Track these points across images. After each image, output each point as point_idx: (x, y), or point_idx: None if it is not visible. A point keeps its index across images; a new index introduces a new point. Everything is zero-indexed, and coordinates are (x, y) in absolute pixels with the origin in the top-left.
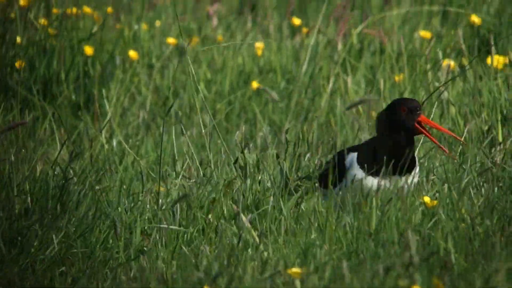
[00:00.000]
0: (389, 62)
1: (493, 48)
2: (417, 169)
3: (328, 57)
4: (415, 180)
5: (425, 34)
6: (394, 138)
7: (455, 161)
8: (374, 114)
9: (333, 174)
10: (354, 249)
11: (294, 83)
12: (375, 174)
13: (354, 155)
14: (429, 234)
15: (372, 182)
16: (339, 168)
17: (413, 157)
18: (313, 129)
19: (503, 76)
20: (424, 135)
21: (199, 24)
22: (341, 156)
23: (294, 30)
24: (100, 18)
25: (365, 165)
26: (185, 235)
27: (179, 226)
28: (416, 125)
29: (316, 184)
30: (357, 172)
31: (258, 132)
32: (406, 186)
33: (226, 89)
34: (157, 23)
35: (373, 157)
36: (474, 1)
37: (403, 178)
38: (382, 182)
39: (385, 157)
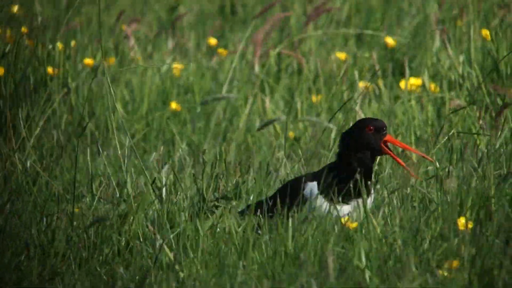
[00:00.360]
0: (306, 83)
1: (407, 70)
2: (372, 192)
3: (247, 78)
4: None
5: (341, 56)
6: (359, 158)
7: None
8: (291, 134)
9: (286, 203)
10: (271, 269)
11: (212, 104)
12: (342, 200)
13: (314, 185)
14: (344, 253)
15: (340, 209)
16: (294, 198)
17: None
18: (231, 149)
19: (417, 97)
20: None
21: (117, 44)
22: (297, 185)
23: (213, 51)
24: (14, 38)
25: (329, 194)
26: (100, 257)
27: (94, 247)
28: (382, 145)
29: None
30: (321, 202)
31: (176, 153)
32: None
33: (144, 110)
34: (73, 43)
35: (338, 183)
36: (388, 24)
37: (368, 199)
38: (350, 207)
39: (351, 181)
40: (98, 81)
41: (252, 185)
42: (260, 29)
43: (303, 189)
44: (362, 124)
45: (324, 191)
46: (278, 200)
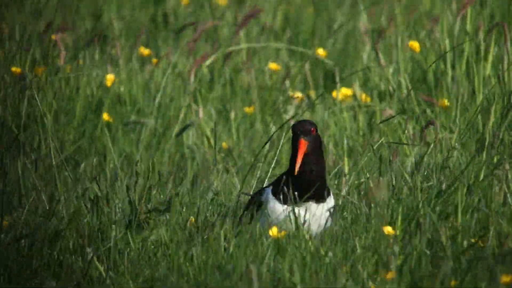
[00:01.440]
0: (240, 93)
1: (338, 81)
2: (331, 197)
3: (179, 89)
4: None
5: (274, 67)
6: (292, 163)
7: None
8: (224, 145)
9: (251, 210)
10: (202, 281)
11: (144, 114)
12: (290, 202)
13: (269, 190)
14: (275, 265)
15: (286, 210)
16: (258, 205)
17: (323, 185)
18: (164, 160)
19: (348, 108)
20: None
21: (45, 53)
22: (258, 193)
23: (144, 61)
24: None
25: (280, 196)
26: (29, 270)
27: (23, 261)
28: (297, 145)
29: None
30: (273, 203)
31: (108, 164)
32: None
33: (75, 120)
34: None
35: (286, 186)
36: (320, 35)
37: (320, 206)
38: (302, 209)
39: (293, 184)
40: (25, 89)
41: (185, 197)
42: (192, 39)
43: (261, 195)
44: (292, 128)
45: (277, 194)
46: (244, 210)
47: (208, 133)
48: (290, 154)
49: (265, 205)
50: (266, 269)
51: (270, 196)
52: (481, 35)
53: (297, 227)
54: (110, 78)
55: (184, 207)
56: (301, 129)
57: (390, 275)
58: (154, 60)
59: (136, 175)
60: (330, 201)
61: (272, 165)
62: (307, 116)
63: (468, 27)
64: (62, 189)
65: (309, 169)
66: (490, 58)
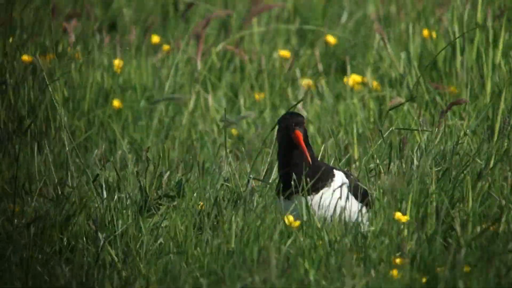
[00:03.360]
0: (249, 80)
1: (348, 68)
2: (331, 185)
3: (189, 76)
4: (333, 199)
5: (284, 53)
6: (283, 155)
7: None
8: (234, 132)
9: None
10: (214, 267)
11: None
12: (286, 197)
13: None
14: (288, 252)
15: (284, 205)
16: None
17: (322, 174)
18: (174, 147)
19: (359, 95)
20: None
21: (55, 41)
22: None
23: (154, 48)
24: None
25: (278, 191)
26: (40, 255)
27: (35, 246)
28: (293, 137)
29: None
30: (278, 202)
31: (118, 151)
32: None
33: (85, 107)
34: (10, 39)
35: (280, 180)
36: (329, 22)
37: (316, 196)
38: (291, 203)
39: (284, 177)
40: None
41: (195, 183)
42: (201, 25)
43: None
44: (279, 121)
45: (278, 192)
46: None
47: (218, 120)
48: (279, 148)
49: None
50: (279, 255)
51: (276, 196)
52: (489, 22)
53: (308, 219)
54: (118, 64)
55: (195, 193)
56: (295, 121)
57: (402, 261)
58: (165, 47)
59: (146, 161)
60: (336, 183)
61: None
62: (317, 103)
63: (479, 14)
64: (72, 176)
65: (300, 161)
66: (501, 45)
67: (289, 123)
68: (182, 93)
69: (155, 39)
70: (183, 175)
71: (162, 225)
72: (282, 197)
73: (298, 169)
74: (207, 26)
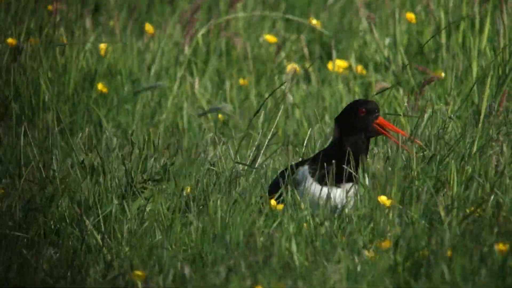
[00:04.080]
0: (235, 65)
1: (334, 53)
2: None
3: (174, 60)
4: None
5: (270, 38)
6: (352, 141)
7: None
8: (220, 116)
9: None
10: (198, 251)
11: (140, 85)
12: (335, 184)
13: (305, 169)
14: (272, 235)
15: (332, 192)
16: (292, 184)
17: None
18: (159, 131)
19: (344, 80)
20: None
21: (40, 24)
22: (290, 171)
23: (140, 32)
24: None
25: (321, 177)
26: (25, 239)
27: (19, 229)
28: (376, 126)
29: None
30: (312, 185)
31: (103, 134)
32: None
33: (70, 91)
34: None
35: (329, 166)
36: (315, 7)
37: (352, 185)
38: (341, 190)
39: (343, 164)
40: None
41: (180, 167)
42: (189, 10)
43: (295, 174)
44: (354, 106)
45: (316, 174)
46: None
47: (204, 104)
48: (335, 132)
49: (301, 184)
50: (264, 239)
51: (308, 176)
52: (476, 8)
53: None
54: (103, 47)
55: (180, 177)
56: (376, 107)
57: (386, 245)
58: (150, 30)
59: (131, 145)
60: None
61: (269, 137)
62: (303, 88)
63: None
64: (57, 159)
65: (359, 148)
66: (486, 30)
67: (374, 108)
68: (168, 77)
69: (140, 22)
70: (168, 159)
71: (147, 208)
72: (317, 182)
73: (357, 156)
74: (197, 11)
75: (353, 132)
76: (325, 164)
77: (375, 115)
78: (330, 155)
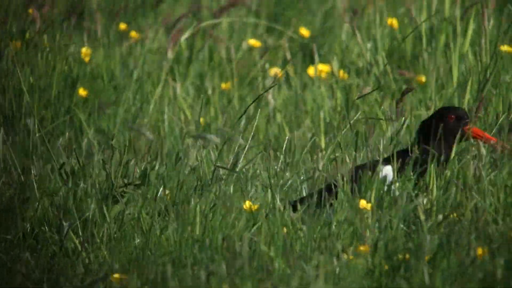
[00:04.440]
0: (218, 69)
1: (316, 57)
2: None
3: (157, 64)
4: None
5: (253, 43)
6: (438, 146)
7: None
8: (202, 120)
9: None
10: (177, 255)
11: (121, 90)
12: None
13: (389, 169)
14: (252, 239)
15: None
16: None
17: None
18: (140, 136)
19: (326, 84)
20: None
21: (22, 28)
22: (371, 169)
23: (122, 36)
24: None
25: (406, 179)
26: (4, 243)
27: None
28: (467, 130)
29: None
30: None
31: (84, 139)
32: None
33: (52, 95)
34: None
35: (414, 168)
36: (298, 12)
37: None
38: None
39: (427, 167)
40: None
41: (161, 171)
42: (171, 13)
43: (379, 173)
44: (443, 113)
45: (401, 176)
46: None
47: (186, 108)
48: (420, 135)
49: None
50: (243, 242)
51: (392, 176)
52: (457, 13)
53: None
54: (86, 52)
55: (161, 181)
56: (466, 115)
57: (365, 248)
58: (133, 35)
59: (112, 150)
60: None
61: (249, 140)
62: (285, 92)
63: (446, 4)
64: (37, 163)
65: (444, 152)
66: (469, 35)
67: (465, 117)
68: (151, 82)
69: (123, 26)
70: (149, 163)
71: (126, 212)
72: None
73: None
74: (182, 18)
75: (440, 137)
76: (409, 165)
77: (465, 122)
78: (418, 157)
